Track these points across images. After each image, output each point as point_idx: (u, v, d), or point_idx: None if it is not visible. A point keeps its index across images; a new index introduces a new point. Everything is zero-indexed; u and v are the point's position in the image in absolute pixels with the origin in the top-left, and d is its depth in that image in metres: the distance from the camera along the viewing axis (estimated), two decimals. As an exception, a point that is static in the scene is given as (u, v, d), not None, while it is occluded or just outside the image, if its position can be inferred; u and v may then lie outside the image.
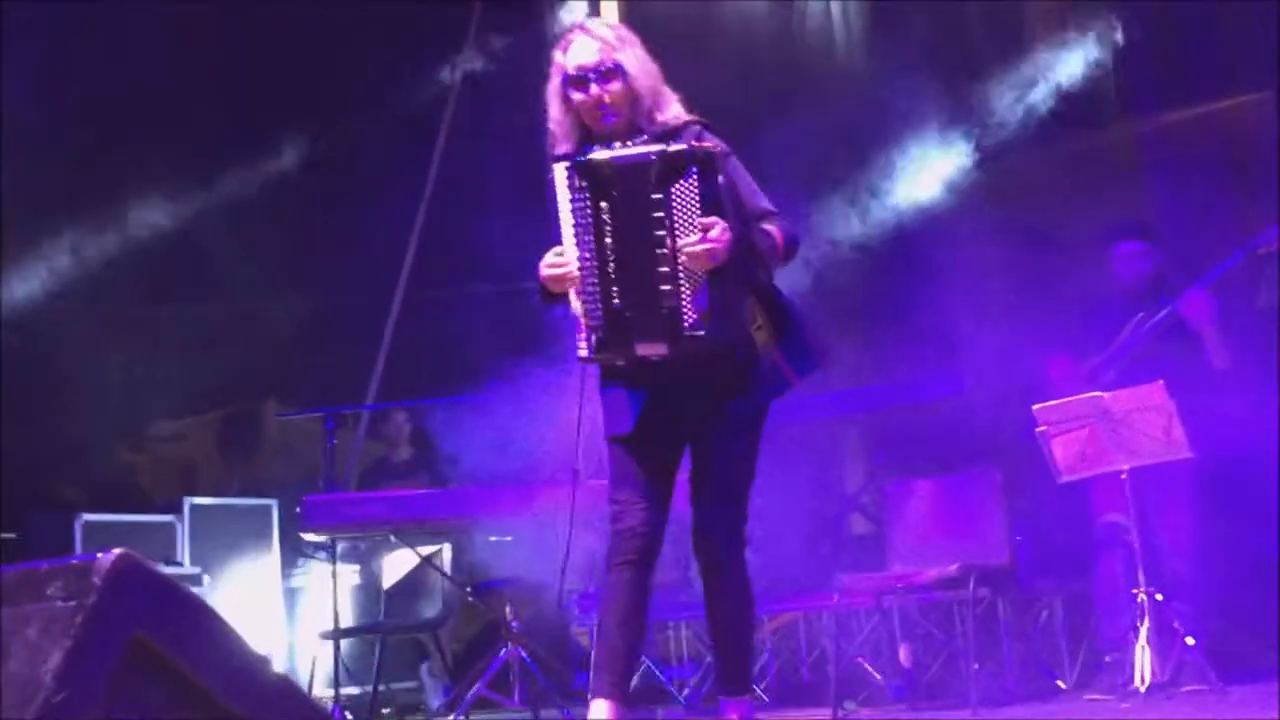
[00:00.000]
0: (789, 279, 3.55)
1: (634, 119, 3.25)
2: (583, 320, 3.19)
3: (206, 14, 6.95)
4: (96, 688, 1.78)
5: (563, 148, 3.29)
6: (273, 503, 6.87)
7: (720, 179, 3.13)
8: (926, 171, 6.50)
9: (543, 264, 3.24)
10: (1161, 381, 4.53)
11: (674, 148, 3.10)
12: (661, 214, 3.08)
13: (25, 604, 1.87)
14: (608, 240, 3.14)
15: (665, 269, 3.09)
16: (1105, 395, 4.61)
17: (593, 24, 3.42)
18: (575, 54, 3.26)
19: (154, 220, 7.44)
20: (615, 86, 3.23)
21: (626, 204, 3.12)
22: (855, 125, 6.73)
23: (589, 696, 3.18)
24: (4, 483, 6.72)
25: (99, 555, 1.84)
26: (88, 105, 6.89)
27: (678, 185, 3.08)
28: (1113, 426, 4.56)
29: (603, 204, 3.13)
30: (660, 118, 3.26)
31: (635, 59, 3.26)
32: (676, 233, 3.08)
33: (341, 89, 7.49)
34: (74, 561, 1.86)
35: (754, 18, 7.08)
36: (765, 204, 3.29)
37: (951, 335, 5.83)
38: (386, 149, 7.20)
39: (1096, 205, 5.80)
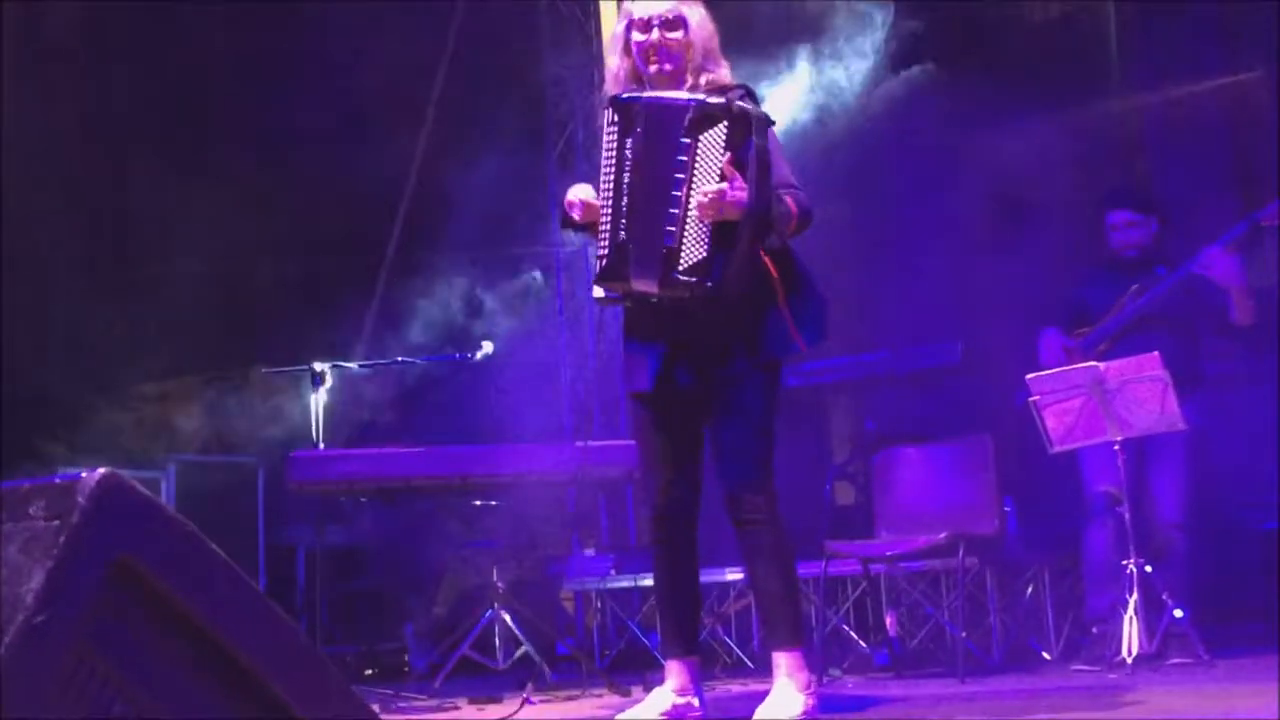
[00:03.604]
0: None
1: (684, 71, 3.48)
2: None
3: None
4: (78, 608, 1.74)
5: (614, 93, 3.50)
6: (256, 460, 6.82)
7: (753, 141, 3.26)
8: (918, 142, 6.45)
9: (571, 190, 3.48)
10: (1157, 353, 4.51)
11: (712, 100, 3.29)
12: (685, 158, 3.24)
13: (6, 523, 1.82)
14: (626, 176, 3.32)
15: (673, 211, 3.24)
16: (1100, 365, 4.59)
17: None
18: (646, 4, 3.52)
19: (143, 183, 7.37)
20: (676, 35, 3.48)
21: (652, 143, 3.30)
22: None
23: (665, 660, 3.53)
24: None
25: (84, 474, 1.79)
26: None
27: (706, 134, 3.25)
28: (1107, 397, 4.53)
29: (628, 140, 3.32)
30: (708, 75, 3.48)
31: (698, 16, 3.53)
32: (694, 180, 3.24)
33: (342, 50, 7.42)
34: (58, 480, 1.82)
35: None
36: (789, 176, 3.42)
37: (944, 305, 5.79)
38: (383, 104, 7.12)
39: (1094, 180, 5.77)
